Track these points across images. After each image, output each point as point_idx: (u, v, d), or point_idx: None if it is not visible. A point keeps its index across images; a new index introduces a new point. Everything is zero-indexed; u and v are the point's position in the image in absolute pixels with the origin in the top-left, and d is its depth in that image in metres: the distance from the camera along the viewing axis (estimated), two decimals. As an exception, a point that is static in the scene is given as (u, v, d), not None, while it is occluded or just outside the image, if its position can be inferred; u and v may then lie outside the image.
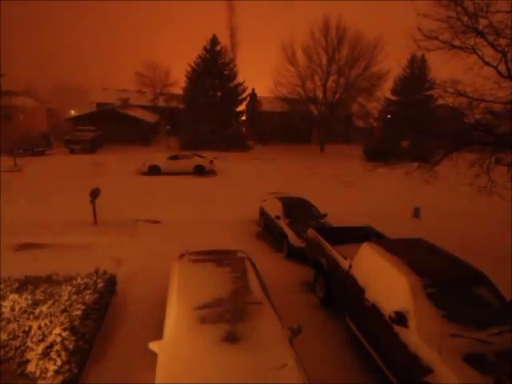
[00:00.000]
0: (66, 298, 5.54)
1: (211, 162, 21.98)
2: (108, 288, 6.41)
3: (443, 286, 4.92)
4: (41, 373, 4.35)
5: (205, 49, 34.92)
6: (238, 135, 35.57)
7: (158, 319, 5.14)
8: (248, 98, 38.89)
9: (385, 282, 5.24)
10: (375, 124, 46.33)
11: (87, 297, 5.62)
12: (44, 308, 5.24)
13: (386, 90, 39.24)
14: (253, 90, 39.86)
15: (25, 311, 5.19)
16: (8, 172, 19.82)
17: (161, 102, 41.98)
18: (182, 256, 6.30)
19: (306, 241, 8.47)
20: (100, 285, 6.11)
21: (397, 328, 4.60)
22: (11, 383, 4.34)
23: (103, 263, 7.28)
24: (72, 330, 4.81)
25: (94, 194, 11.07)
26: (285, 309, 5.79)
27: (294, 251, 9.19)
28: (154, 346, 4.26)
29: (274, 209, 10.80)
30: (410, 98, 38.87)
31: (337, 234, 8.15)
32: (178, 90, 40.40)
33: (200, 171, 21.33)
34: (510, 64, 8.92)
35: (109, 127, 33.14)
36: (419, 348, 4.26)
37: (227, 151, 31.95)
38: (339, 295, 6.58)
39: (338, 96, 35.59)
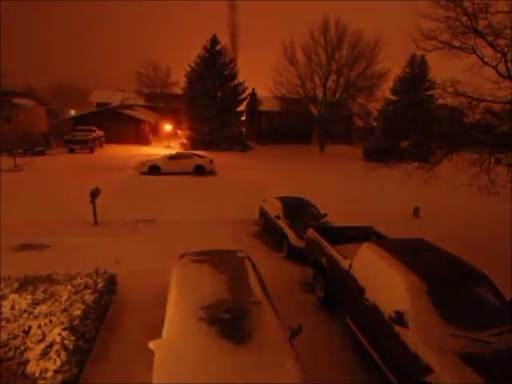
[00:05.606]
0: (65, 297, 5.54)
1: (211, 161, 21.99)
2: (108, 288, 6.41)
3: (443, 285, 4.92)
4: (41, 373, 4.35)
5: (205, 49, 34.85)
6: (238, 135, 35.55)
7: (158, 319, 5.13)
8: (248, 98, 38.82)
9: (385, 282, 5.24)
10: (375, 124, 46.32)
11: (87, 296, 5.62)
12: (44, 308, 5.24)
13: (385, 90, 39.23)
14: (253, 89, 39.82)
15: (25, 311, 5.18)
16: (8, 172, 19.83)
17: (161, 102, 41.98)
18: (182, 256, 6.30)
19: (306, 241, 8.46)
20: (100, 284, 6.11)
21: (397, 328, 4.60)
22: (11, 383, 4.34)
23: (103, 263, 7.28)
24: (72, 329, 4.81)
25: (94, 194, 11.07)
26: (284, 309, 5.79)
27: (294, 251, 9.18)
28: (153, 345, 4.26)
29: (274, 209, 10.80)
30: (409, 98, 38.82)
31: (337, 234, 8.16)
32: (177, 90, 40.42)
33: (200, 171, 21.34)
34: (509, 64, 8.95)
35: (109, 127, 33.20)
36: (419, 348, 4.26)
37: (227, 151, 31.94)
38: (339, 295, 6.58)
39: (337, 96, 35.57)
